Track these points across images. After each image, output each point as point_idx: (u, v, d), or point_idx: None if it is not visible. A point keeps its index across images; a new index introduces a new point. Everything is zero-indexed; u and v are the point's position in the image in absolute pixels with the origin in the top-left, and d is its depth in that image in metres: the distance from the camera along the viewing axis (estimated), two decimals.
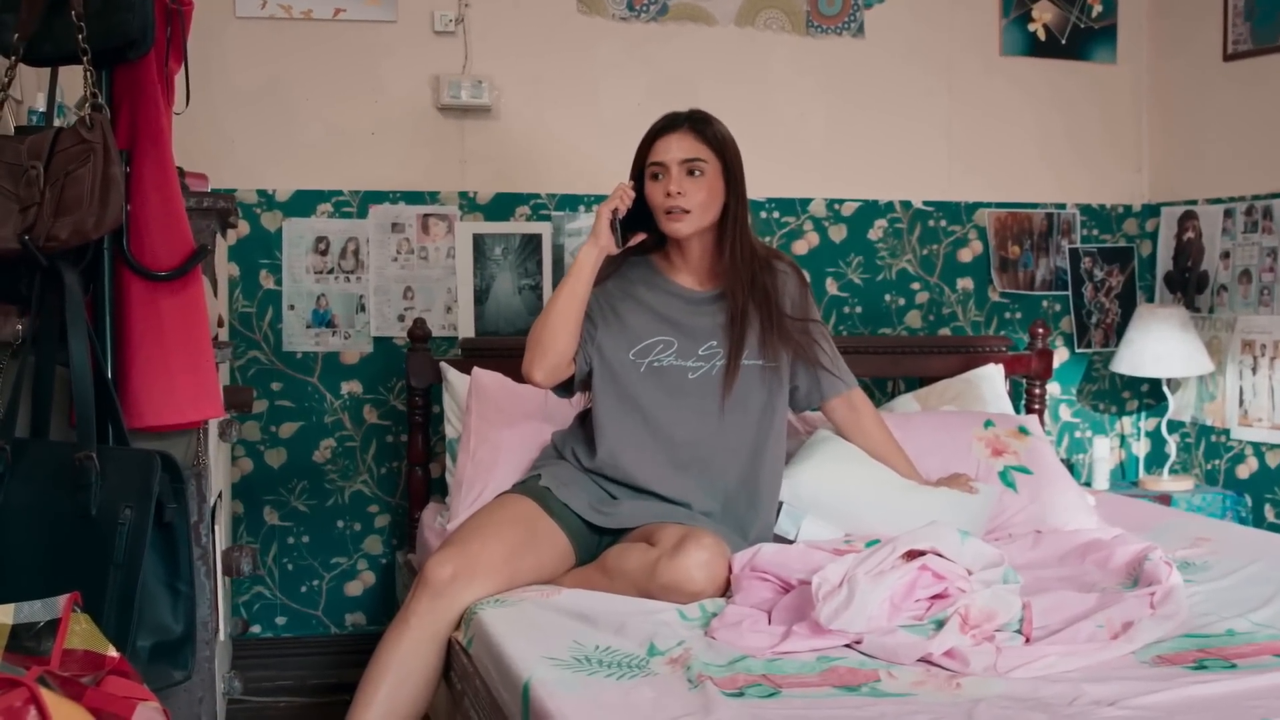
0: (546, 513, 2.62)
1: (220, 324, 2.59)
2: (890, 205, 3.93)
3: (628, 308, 2.76)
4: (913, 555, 2.23)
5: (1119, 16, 4.06)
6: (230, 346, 2.78)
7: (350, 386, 3.59)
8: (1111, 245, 4.11)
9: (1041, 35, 4.01)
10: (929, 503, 2.76)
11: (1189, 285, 3.97)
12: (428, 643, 2.42)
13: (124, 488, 1.77)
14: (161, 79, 1.96)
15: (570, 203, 3.68)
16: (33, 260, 1.80)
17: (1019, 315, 4.03)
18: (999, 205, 4.01)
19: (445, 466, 3.43)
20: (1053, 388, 4.04)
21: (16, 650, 1.53)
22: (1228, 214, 3.83)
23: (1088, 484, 3.86)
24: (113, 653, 1.55)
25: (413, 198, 3.60)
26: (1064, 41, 4.02)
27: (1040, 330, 3.79)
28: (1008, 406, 3.60)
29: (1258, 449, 3.74)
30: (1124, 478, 4.14)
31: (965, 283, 4.00)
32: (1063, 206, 4.06)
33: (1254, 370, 3.73)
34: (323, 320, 3.55)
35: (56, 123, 2.03)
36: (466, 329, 3.60)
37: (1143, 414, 4.16)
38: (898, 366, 3.74)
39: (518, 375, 2.78)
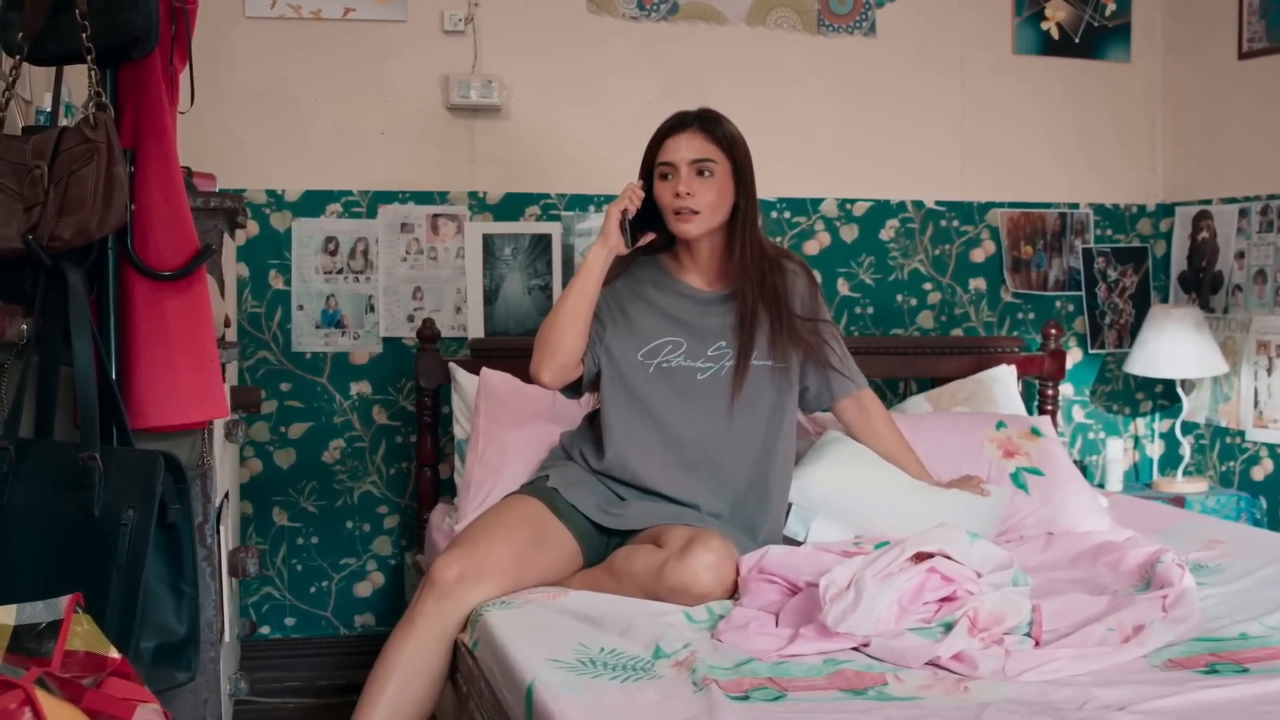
0: (554, 514, 2.61)
1: (227, 324, 2.59)
2: (902, 205, 3.91)
3: (637, 308, 2.75)
4: (921, 557, 2.21)
5: (1133, 15, 4.04)
6: (237, 347, 2.78)
7: (359, 387, 3.58)
8: (1125, 245, 4.09)
9: (1055, 34, 3.98)
10: (939, 505, 2.74)
11: (1203, 285, 3.94)
12: (434, 643, 2.42)
13: (127, 488, 1.77)
14: (166, 78, 1.96)
15: (580, 203, 3.67)
16: (37, 260, 1.80)
17: (1032, 316, 4.01)
18: (1012, 205, 3.99)
19: (454, 467, 3.43)
20: (1066, 389, 4.02)
21: (18, 651, 1.53)
22: (1243, 214, 3.80)
23: (1101, 486, 3.83)
24: (114, 654, 1.55)
25: (422, 198, 3.59)
26: (1077, 40, 4.00)
27: (1053, 331, 3.77)
28: (1020, 408, 3.57)
29: (1273, 450, 3.71)
30: (1137, 479, 4.11)
31: (978, 283, 3.97)
32: (1076, 206, 4.04)
33: (1269, 371, 3.70)
34: (332, 321, 3.55)
35: (63, 122, 2.03)
36: (476, 329, 3.59)
37: (1157, 415, 4.13)
38: (909, 367, 3.72)
39: (527, 376, 2.76)
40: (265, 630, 3.55)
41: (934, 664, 2.04)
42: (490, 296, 3.60)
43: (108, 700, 1.45)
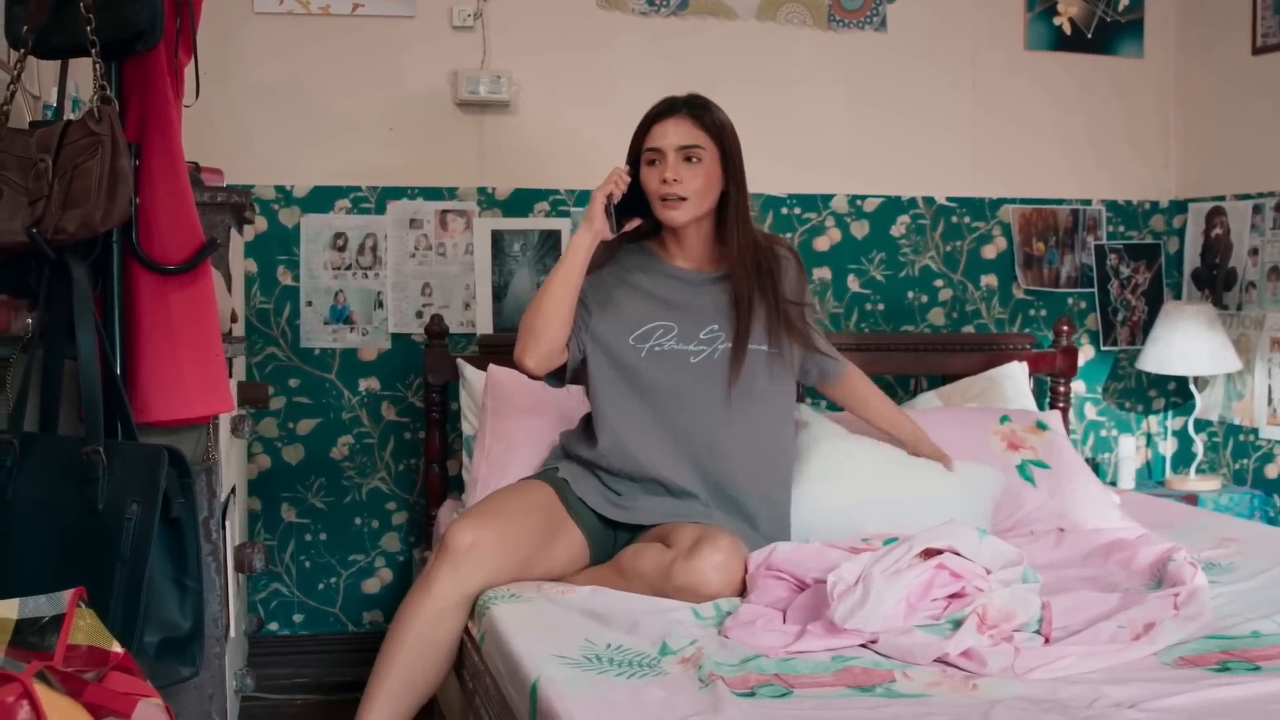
0: (564, 506, 2.60)
1: (234, 319, 2.58)
2: (913, 201, 3.89)
3: (624, 294, 2.71)
4: (930, 554, 2.20)
5: (1146, 10, 4.01)
6: (243, 342, 2.78)
7: (368, 383, 3.58)
8: (1138, 241, 4.06)
9: (1067, 29, 3.96)
10: (933, 488, 2.80)
11: (1217, 282, 3.92)
12: (449, 613, 2.41)
13: (130, 483, 1.76)
14: (171, 71, 1.95)
15: (589, 199, 3.65)
16: (41, 254, 1.79)
17: (1044, 313, 3.99)
18: (1023, 201, 3.96)
19: (463, 464, 3.42)
20: (1078, 386, 3.99)
21: (20, 645, 1.52)
22: (1256, 210, 3.77)
23: (1113, 483, 3.81)
24: (117, 648, 1.54)
25: (431, 193, 3.58)
26: (1090, 36, 3.97)
27: (1065, 328, 3.75)
28: (1031, 404, 3.56)
29: None
30: (1150, 477, 4.08)
31: (989, 279, 3.95)
32: (1088, 202, 4.01)
33: None
34: (340, 317, 3.54)
35: (68, 116, 2.02)
36: (484, 325, 3.58)
37: (1169, 413, 4.10)
38: (920, 364, 3.71)
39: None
40: (274, 626, 3.55)
41: (942, 661, 2.02)
42: (499, 292, 3.60)
43: (110, 695, 1.44)
